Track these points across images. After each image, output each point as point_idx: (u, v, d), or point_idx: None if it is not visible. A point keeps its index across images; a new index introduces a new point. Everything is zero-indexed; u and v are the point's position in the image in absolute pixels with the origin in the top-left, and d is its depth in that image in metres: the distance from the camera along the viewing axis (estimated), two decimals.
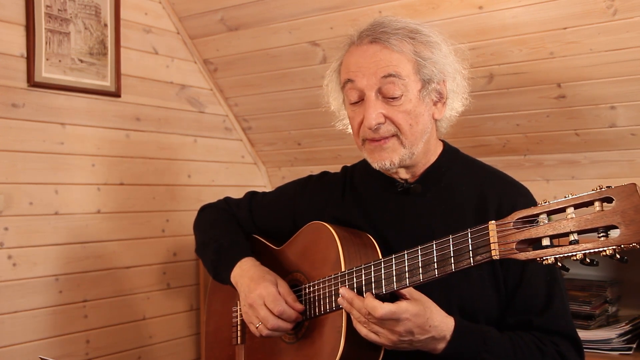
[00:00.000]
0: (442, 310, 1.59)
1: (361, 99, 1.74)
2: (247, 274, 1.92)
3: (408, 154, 1.74)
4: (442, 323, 1.57)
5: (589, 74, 2.67)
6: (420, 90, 1.73)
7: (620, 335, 2.62)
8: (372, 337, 1.57)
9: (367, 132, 1.73)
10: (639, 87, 2.63)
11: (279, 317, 1.80)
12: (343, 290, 1.64)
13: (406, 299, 1.55)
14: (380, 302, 1.52)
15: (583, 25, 2.55)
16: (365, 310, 1.55)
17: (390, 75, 1.69)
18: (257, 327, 1.84)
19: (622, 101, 2.70)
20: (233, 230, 2.14)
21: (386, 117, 1.71)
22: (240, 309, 2.06)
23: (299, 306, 1.83)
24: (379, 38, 1.72)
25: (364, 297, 1.59)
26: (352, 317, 1.62)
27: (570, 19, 2.56)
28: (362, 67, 1.72)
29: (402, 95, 1.70)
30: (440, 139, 1.89)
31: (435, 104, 1.78)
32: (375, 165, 1.76)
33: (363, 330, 1.59)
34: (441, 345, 1.59)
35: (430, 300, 1.59)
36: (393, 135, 1.72)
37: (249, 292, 1.87)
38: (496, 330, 1.66)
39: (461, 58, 1.83)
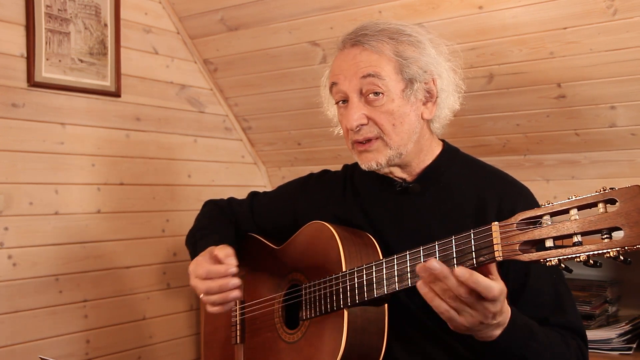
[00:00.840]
0: None
1: (346, 102, 1.76)
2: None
3: (395, 154, 1.74)
4: (507, 310, 1.47)
5: (589, 74, 2.67)
6: (403, 90, 1.73)
7: (620, 335, 2.62)
8: (452, 314, 1.40)
9: (352, 134, 1.75)
10: (639, 87, 2.63)
11: (206, 278, 1.78)
12: (434, 263, 1.37)
13: (489, 276, 1.40)
14: (491, 281, 1.35)
15: (583, 25, 2.55)
16: (464, 290, 1.35)
17: (369, 76, 1.71)
18: (202, 299, 1.84)
19: (622, 101, 2.70)
20: (217, 224, 2.15)
21: (368, 118, 1.72)
22: (238, 308, 2.06)
23: (231, 261, 1.78)
24: (359, 41, 1.74)
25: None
26: (430, 290, 1.41)
27: (570, 19, 2.56)
28: (343, 70, 1.75)
29: (383, 94, 1.71)
30: (440, 139, 1.89)
31: (424, 103, 1.78)
32: (363, 166, 1.76)
33: (443, 306, 1.39)
34: (497, 332, 1.47)
35: None
36: (377, 138, 1.73)
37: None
38: (534, 321, 1.61)
39: (453, 56, 1.82)
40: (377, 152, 1.73)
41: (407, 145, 1.75)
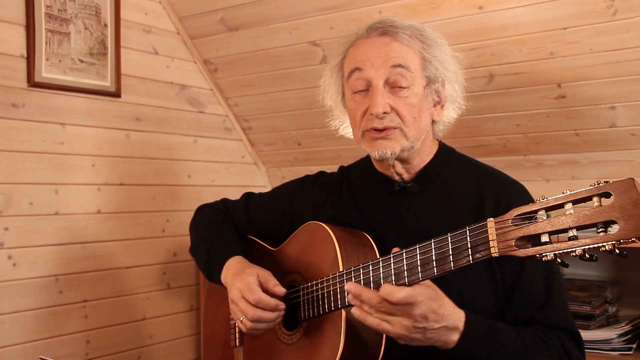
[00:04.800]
0: (451, 301, 1.55)
1: (367, 89, 1.74)
2: (230, 272, 1.92)
3: (409, 146, 1.74)
4: (454, 313, 1.53)
5: (589, 74, 2.67)
6: (425, 87, 1.74)
7: (620, 335, 2.62)
8: (385, 326, 1.50)
9: (371, 121, 1.72)
10: (639, 87, 2.63)
11: (256, 306, 1.78)
12: (349, 286, 1.57)
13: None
14: (397, 287, 1.46)
15: (583, 25, 2.55)
16: (377, 299, 1.48)
17: (399, 66, 1.70)
18: (241, 322, 1.83)
19: (622, 101, 2.70)
20: (225, 230, 2.13)
21: (392, 108, 1.71)
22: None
23: (280, 290, 1.81)
24: (389, 31, 1.74)
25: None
26: (359, 312, 1.54)
27: (570, 19, 2.56)
28: (371, 57, 1.73)
29: (408, 87, 1.71)
30: (436, 139, 1.90)
31: (434, 105, 1.80)
32: (376, 153, 1.74)
33: (374, 322, 1.51)
34: (454, 337, 1.53)
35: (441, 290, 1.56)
36: (396, 127, 1.72)
37: (230, 288, 1.87)
38: (504, 324, 1.64)
39: (460, 65, 1.83)
40: (395, 140, 1.72)
41: (418, 141, 1.76)
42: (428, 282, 1.52)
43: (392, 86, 1.71)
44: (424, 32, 1.76)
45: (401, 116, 1.71)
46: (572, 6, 2.52)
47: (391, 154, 1.73)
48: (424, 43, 1.75)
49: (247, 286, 1.81)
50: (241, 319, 1.82)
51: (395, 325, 1.49)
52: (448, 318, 1.51)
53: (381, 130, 1.72)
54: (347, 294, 1.58)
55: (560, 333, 1.67)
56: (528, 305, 1.69)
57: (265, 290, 1.81)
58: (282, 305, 1.81)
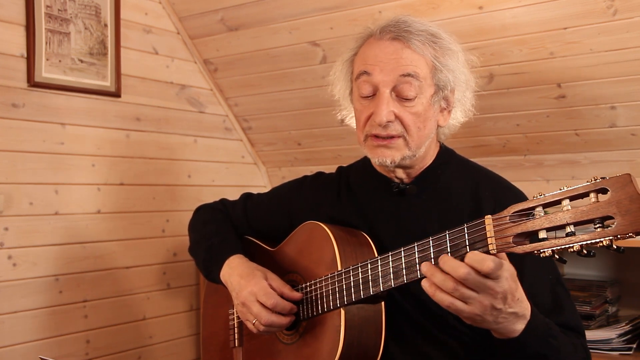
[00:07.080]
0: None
1: (373, 94, 1.73)
2: (235, 272, 1.91)
3: (410, 155, 1.73)
4: (524, 300, 1.45)
5: (589, 74, 2.67)
6: (432, 95, 1.72)
7: (620, 335, 2.61)
8: (458, 305, 1.37)
9: (374, 127, 1.71)
10: (639, 87, 2.63)
11: (272, 310, 1.79)
12: (425, 264, 1.44)
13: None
14: (485, 254, 1.33)
15: (583, 25, 2.55)
16: (463, 270, 1.33)
17: (408, 75, 1.68)
18: (253, 324, 1.83)
19: (622, 101, 2.69)
20: (224, 229, 2.13)
21: (396, 116, 1.70)
22: (235, 311, 2.05)
23: (296, 294, 1.82)
24: (402, 36, 1.71)
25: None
26: (432, 288, 1.40)
27: (570, 19, 2.56)
28: (380, 62, 1.71)
29: (415, 97, 1.69)
30: (438, 141, 1.89)
31: (442, 111, 1.79)
32: (376, 160, 1.74)
33: (447, 300, 1.37)
34: (519, 326, 1.45)
35: None
36: (400, 136, 1.71)
37: (240, 290, 1.86)
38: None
39: (471, 70, 1.82)
40: (396, 150, 1.72)
41: (421, 149, 1.75)
42: (504, 255, 1.38)
43: (399, 95, 1.69)
44: (438, 39, 1.73)
45: (405, 125, 1.70)
46: (572, 6, 2.52)
47: (391, 162, 1.72)
48: (437, 51, 1.72)
49: (263, 290, 1.81)
50: (253, 322, 1.82)
51: (472, 304, 1.37)
52: (520, 304, 1.43)
53: (384, 138, 1.71)
54: (423, 266, 1.44)
55: (573, 333, 1.66)
56: (537, 308, 1.66)
57: (280, 294, 1.82)
58: (295, 309, 1.82)
